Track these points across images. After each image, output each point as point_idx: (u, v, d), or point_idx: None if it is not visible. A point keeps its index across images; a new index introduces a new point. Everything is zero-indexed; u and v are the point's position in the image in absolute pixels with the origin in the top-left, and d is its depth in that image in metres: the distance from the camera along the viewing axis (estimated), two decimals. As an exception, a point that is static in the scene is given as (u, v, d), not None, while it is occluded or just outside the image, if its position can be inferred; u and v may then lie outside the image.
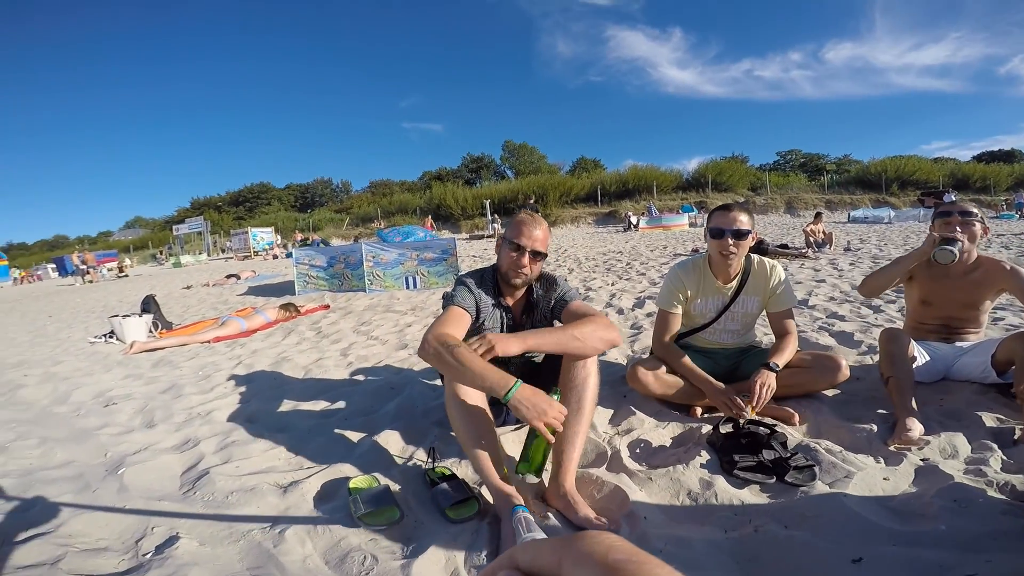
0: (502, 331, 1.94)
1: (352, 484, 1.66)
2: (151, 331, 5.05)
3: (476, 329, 1.89)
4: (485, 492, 1.57)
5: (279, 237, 27.03)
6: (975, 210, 2.21)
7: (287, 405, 2.65)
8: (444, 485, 1.59)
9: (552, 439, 1.46)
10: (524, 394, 1.43)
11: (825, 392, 2.28)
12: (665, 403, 2.25)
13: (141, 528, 1.53)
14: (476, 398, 1.63)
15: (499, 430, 2.02)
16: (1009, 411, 1.98)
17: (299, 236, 25.15)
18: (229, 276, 11.39)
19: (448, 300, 1.85)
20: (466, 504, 1.51)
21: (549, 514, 1.48)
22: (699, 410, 2.18)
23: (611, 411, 2.25)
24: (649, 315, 4.33)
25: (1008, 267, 2.15)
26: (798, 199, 27.28)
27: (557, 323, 1.94)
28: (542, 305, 1.98)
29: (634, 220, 21.33)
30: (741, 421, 1.89)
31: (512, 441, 1.97)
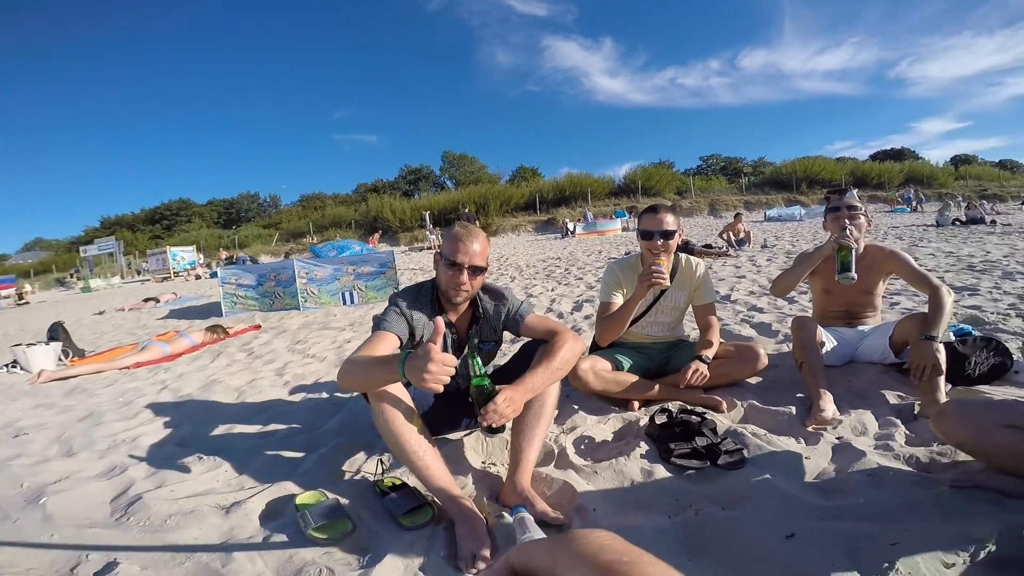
0: (446, 348, 1.89)
1: (299, 500, 1.61)
2: (60, 359, 4.62)
3: (414, 348, 1.90)
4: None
5: (201, 256, 25.39)
6: (859, 204, 2.46)
7: (221, 428, 2.51)
8: (394, 494, 1.58)
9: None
10: (412, 363, 1.32)
11: (748, 380, 2.45)
12: (605, 399, 2.34)
13: (74, 557, 1.43)
14: (401, 409, 1.59)
15: (458, 435, 2.05)
16: (907, 388, 2.19)
17: (224, 254, 23.72)
18: (147, 300, 10.57)
19: (376, 324, 1.79)
20: (420, 511, 1.51)
21: (504, 513, 1.50)
22: (636, 404, 2.28)
23: (555, 411, 2.31)
24: (587, 317, 4.46)
25: (889, 250, 2.42)
26: (720, 201, 29.00)
27: (509, 335, 1.96)
28: (491, 319, 1.94)
29: (571, 227, 21.87)
30: (674, 410, 2.00)
31: (472, 448, 1.98)
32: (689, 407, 2.09)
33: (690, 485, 1.63)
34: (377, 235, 23.08)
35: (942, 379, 2.01)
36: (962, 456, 1.60)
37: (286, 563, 1.36)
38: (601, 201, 30.77)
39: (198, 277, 20.10)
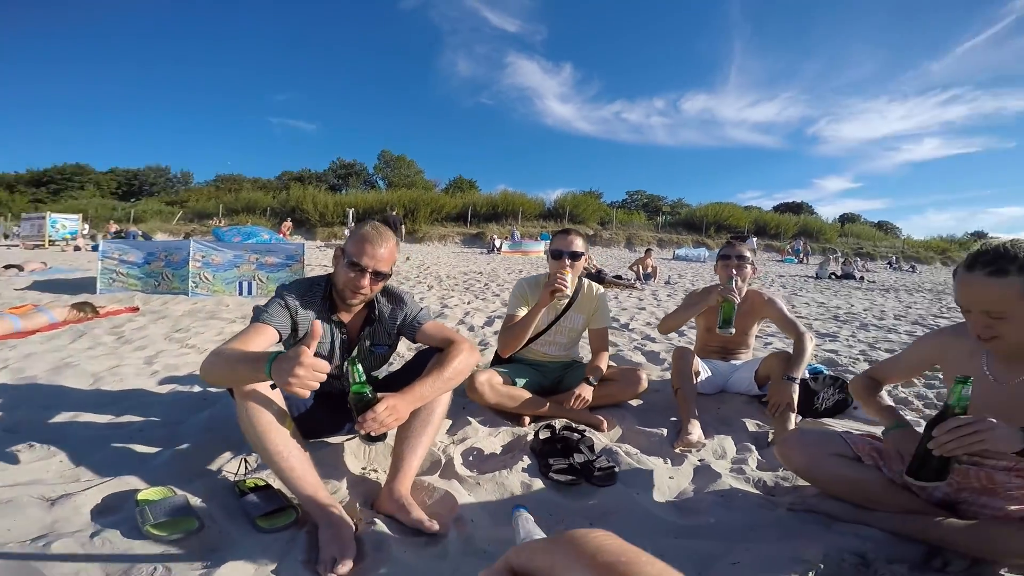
0: (333, 348, 1.83)
1: (140, 496, 1.47)
2: None
3: (296, 345, 1.83)
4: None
5: (87, 227, 22.66)
6: (748, 255, 2.69)
7: (65, 415, 2.23)
8: (254, 496, 1.49)
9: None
10: (279, 365, 1.27)
11: (631, 402, 2.60)
12: (499, 413, 2.37)
13: None
14: (270, 409, 1.50)
15: (340, 439, 1.97)
16: (766, 418, 2.42)
17: (113, 227, 21.36)
18: (8, 267, 9.22)
19: (256, 315, 1.68)
20: (281, 513, 1.43)
21: (376, 520, 1.46)
22: (527, 419, 2.33)
23: (449, 422, 2.30)
24: (497, 332, 4.49)
25: (766, 298, 2.67)
26: (636, 236, 30.61)
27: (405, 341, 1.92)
28: (386, 322, 1.89)
29: (498, 243, 22.15)
30: (557, 427, 2.06)
31: (353, 453, 1.92)
32: (573, 425, 2.16)
33: (564, 499, 1.69)
34: (289, 224, 21.56)
35: (793, 412, 2.24)
36: (801, 481, 1.77)
37: (115, 558, 1.24)
38: (530, 222, 31.45)
39: (77, 248, 17.85)
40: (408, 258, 15.10)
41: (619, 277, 9.86)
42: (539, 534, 1.31)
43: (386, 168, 46.16)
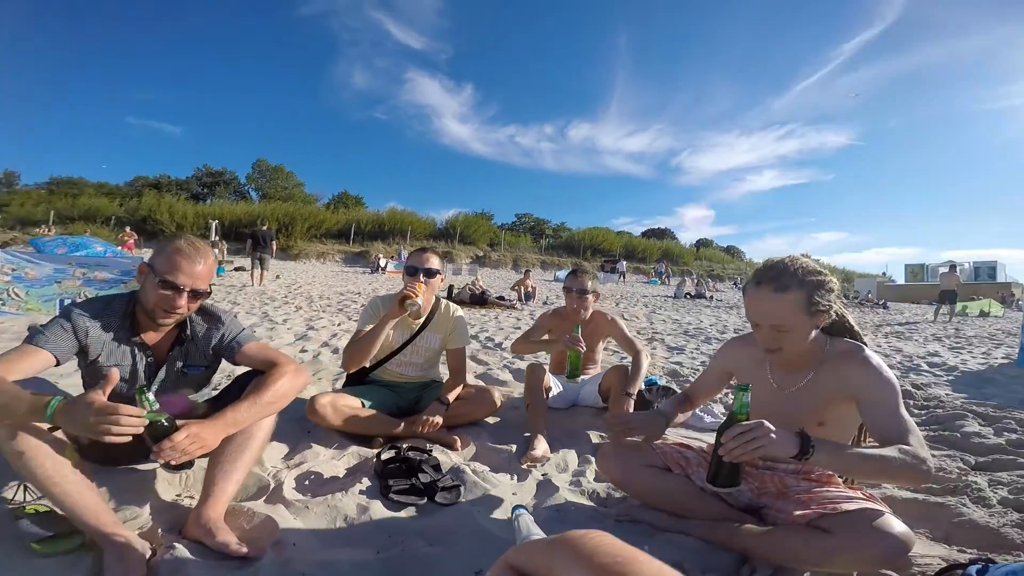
0: (135, 372, 1.68)
1: None
2: None
3: (87, 368, 1.64)
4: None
5: None
6: (589, 287, 2.81)
7: None
8: (30, 521, 1.37)
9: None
10: (68, 413, 1.23)
11: (488, 419, 2.64)
12: (349, 436, 2.28)
13: None
14: (40, 436, 1.35)
15: (152, 465, 1.77)
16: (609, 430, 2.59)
17: None
18: None
19: (30, 336, 1.50)
20: (65, 538, 1.33)
21: (178, 544, 1.36)
22: (380, 440, 2.26)
23: (287, 447, 2.17)
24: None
25: (609, 318, 2.90)
26: (522, 258, 31.58)
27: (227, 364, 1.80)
28: (199, 342, 1.76)
29: (383, 263, 21.51)
30: (402, 448, 2.03)
31: (167, 479, 1.76)
32: (419, 445, 2.14)
33: (406, 520, 1.66)
34: (131, 234, 18.69)
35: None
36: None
37: None
38: (420, 241, 30.95)
39: None
40: (278, 276, 14.03)
41: (501, 298, 10.11)
42: (539, 534, 1.27)
43: (261, 179, 42.70)
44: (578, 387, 2.91)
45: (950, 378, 4.58)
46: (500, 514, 1.75)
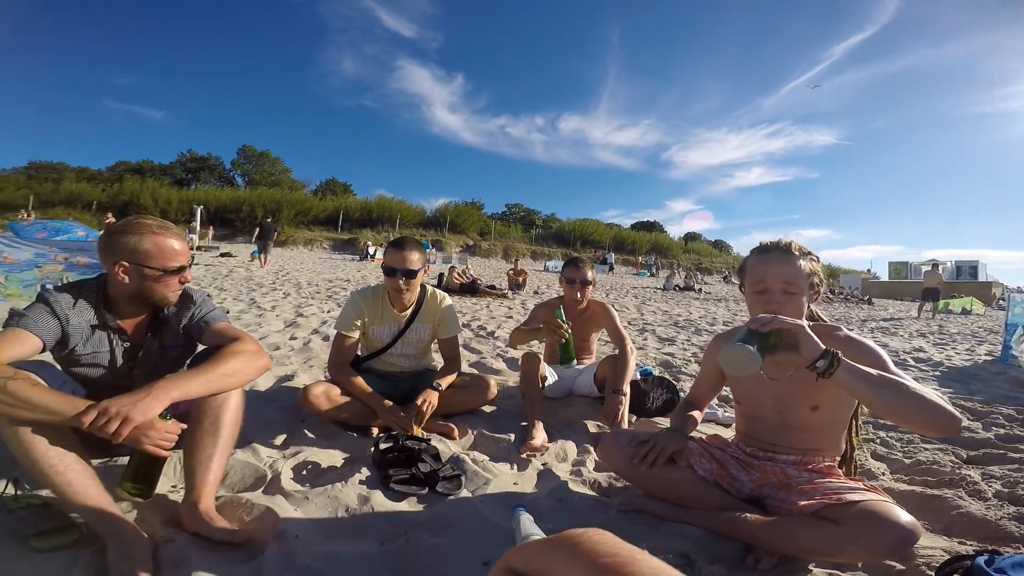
0: (112, 357, 1.63)
1: None
2: None
3: (64, 357, 1.58)
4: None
5: None
6: (590, 277, 2.84)
7: None
8: (24, 514, 1.34)
9: (164, 454, 1.34)
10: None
11: (484, 408, 2.62)
12: (341, 424, 2.24)
13: None
14: (43, 429, 1.31)
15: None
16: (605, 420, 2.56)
17: None
18: None
19: (13, 320, 1.44)
20: (60, 532, 1.28)
21: (176, 537, 1.33)
22: (376, 430, 2.23)
23: (283, 436, 2.13)
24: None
25: (606, 308, 2.88)
26: (513, 248, 31.57)
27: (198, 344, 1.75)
28: (173, 323, 1.71)
29: (372, 250, 21.31)
30: (401, 437, 1.99)
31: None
32: (420, 434, 2.11)
33: (408, 511, 1.63)
34: (111, 219, 17.91)
35: (626, 415, 2.41)
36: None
37: None
38: (409, 230, 30.69)
39: None
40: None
41: (492, 287, 10.06)
42: (538, 534, 1.26)
43: (246, 164, 41.97)
44: (573, 376, 2.89)
45: (936, 373, 4.65)
46: (503, 504, 1.72)
